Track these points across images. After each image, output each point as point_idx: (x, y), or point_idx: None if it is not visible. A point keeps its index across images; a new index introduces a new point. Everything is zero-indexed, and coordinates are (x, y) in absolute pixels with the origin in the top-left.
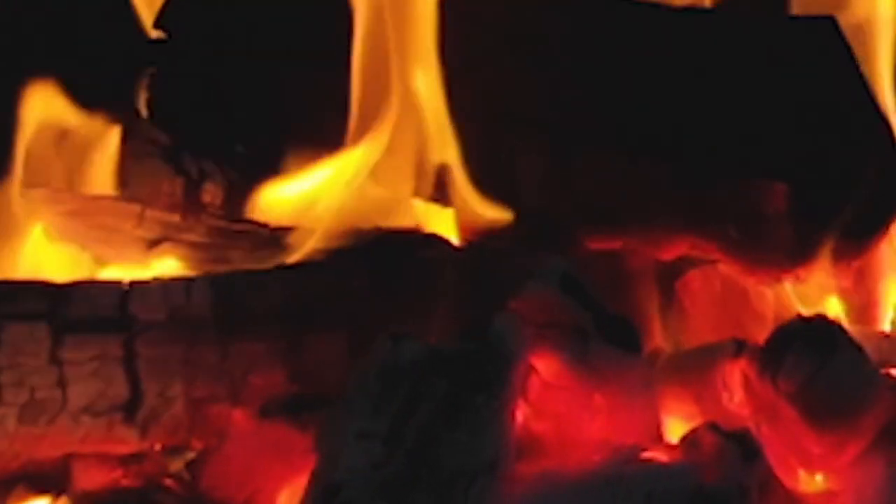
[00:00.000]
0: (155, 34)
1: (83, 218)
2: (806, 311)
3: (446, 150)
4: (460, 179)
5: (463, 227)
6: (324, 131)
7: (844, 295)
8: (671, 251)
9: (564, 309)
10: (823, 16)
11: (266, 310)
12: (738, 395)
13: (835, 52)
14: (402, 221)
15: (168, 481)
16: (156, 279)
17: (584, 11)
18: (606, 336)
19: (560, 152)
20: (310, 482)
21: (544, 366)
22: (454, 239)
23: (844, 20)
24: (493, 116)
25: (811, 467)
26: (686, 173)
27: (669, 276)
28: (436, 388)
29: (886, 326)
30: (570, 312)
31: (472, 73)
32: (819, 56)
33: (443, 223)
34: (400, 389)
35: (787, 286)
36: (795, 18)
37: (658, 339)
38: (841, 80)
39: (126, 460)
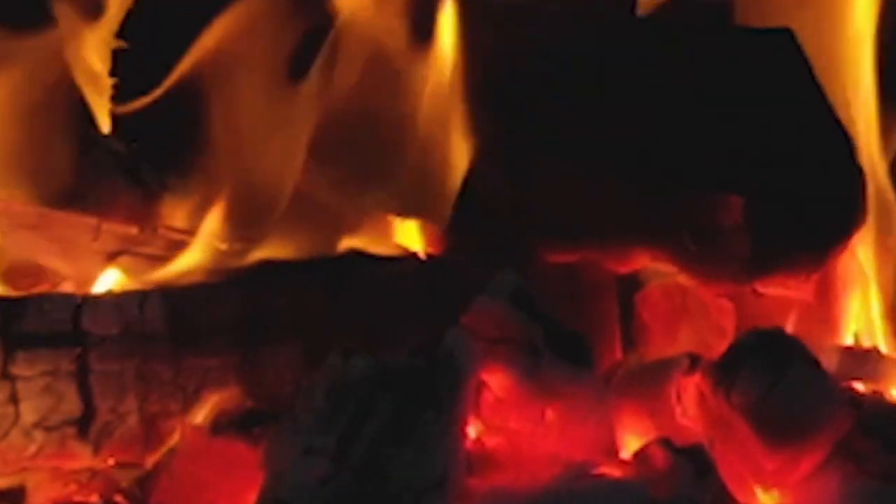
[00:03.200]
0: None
1: (39, 231)
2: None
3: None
4: None
5: (424, 241)
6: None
7: (804, 308)
8: (630, 264)
9: (515, 324)
10: (781, 28)
11: (220, 324)
12: (692, 410)
13: (792, 65)
14: (364, 234)
15: (119, 497)
16: (109, 293)
17: (542, 26)
18: (558, 351)
19: (517, 166)
20: (258, 498)
21: (495, 381)
22: (412, 252)
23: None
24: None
25: (765, 483)
26: (644, 186)
27: (629, 290)
28: (384, 403)
29: (848, 339)
30: (521, 327)
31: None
32: (776, 68)
33: (406, 236)
34: (348, 405)
35: (747, 299)
36: (752, 31)
37: (618, 353)
38: (799, 92)
39: (78, 476)
